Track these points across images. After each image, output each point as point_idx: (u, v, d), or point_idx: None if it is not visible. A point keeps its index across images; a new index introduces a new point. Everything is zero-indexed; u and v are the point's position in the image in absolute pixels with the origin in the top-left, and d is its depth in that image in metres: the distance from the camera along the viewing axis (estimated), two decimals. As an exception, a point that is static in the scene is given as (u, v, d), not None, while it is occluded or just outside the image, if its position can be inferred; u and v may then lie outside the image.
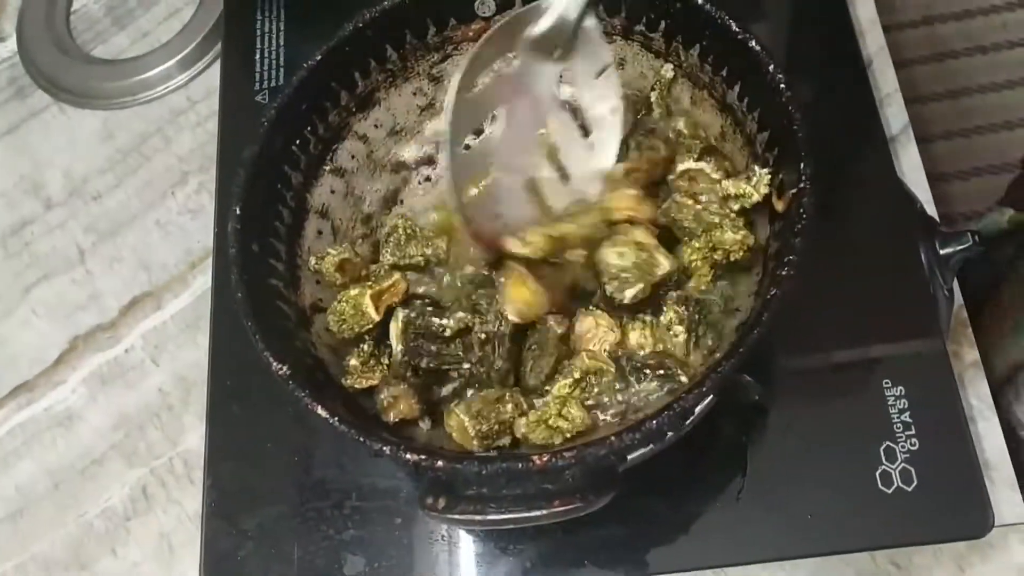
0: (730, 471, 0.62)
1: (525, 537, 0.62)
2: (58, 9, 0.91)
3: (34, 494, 0.73)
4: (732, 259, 0.57)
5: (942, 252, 0.65)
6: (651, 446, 0.54)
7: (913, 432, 0.61)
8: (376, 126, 0.64)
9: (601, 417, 0.55)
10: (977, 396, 0.67)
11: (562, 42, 0.58)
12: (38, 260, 0.81)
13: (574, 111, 0.62)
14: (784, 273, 0.50)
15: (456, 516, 0.50)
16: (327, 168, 0.62)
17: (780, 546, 0.60)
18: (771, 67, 0.54)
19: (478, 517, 0.49)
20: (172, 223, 0.81)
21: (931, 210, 0.72)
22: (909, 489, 0.60)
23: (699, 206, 0.58)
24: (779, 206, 0.55)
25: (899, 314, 0.65)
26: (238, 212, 0.54)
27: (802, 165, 0.52)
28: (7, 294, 0.80)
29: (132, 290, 0.79)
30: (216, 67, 0.86)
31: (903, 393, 0.62)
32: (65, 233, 0.82)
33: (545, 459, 0.46)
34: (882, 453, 0.61)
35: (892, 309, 0.66)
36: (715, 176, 0.58)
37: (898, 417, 0.62)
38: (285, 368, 0.50)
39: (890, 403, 0.62)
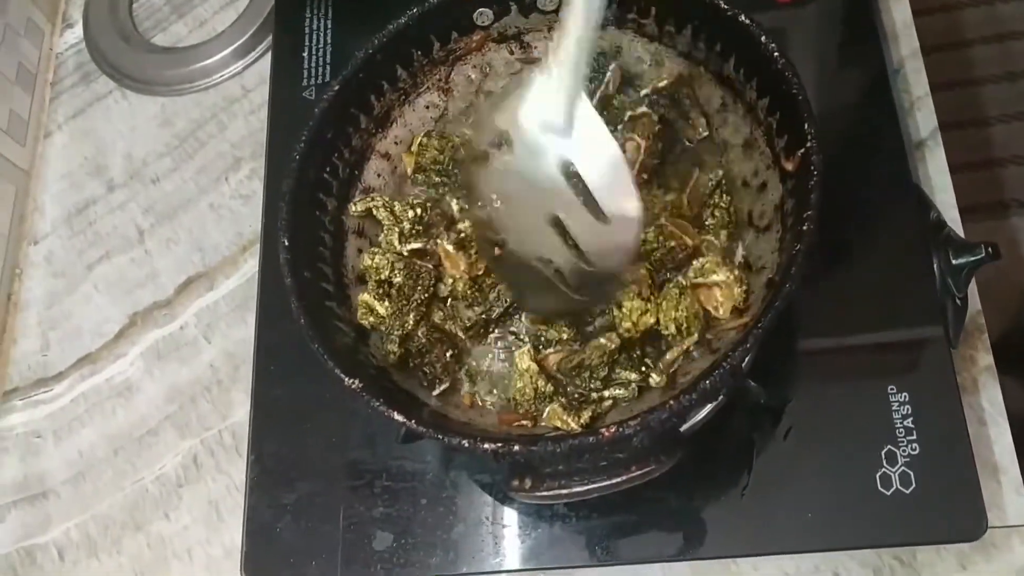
0: (736, 469, 0.65)
1: (541, 521, 0.66)
2: (122, -3, 0.96)
3: (95, 459, 0.78)
4: None
5: (955, 262, 0.66)
6: (708, 406, 0.58)
7: (915, 437, 0.63)
8: (396, 142, 0.67)
9: None
10: (989, 400, 0.69)
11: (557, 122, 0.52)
12: (100, 239, 0.87)
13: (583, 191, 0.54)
14: (805, 228, 0.52)
15: (544, 493, 0.53)
16: (357, 189, 0.66)
17: (780, 541, 0.63)
18: (763, 38, 0.57)
19: (564, 491, 0.53)
20: (225, 207, 0.86)
21: (952, 215, 0.73)
22: (907, 492, 0.62)
23: None
24: (789, 166, 0.58)
25: (907, 321, 0.67)
26: (286, 243, 0.57)
27: (806, 125, 0.54)
28: (72, 270, 0.86)
29: (187, 270, 0.84)
30: (269, 56, 0.89)
31: (907, 399, 0.64)
32: (126, 214, 0.87)
33: (613, 430, 0.49)
34: (883, 456, 0.63)
35: (901, 316, 0.67)
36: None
37: (901, 422, 0.64)
38: (357, 382, 0.54)
39: (894, 408, 0.64)
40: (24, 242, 0.88)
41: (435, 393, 0.60)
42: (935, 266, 0.67)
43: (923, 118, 0.78)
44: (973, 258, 0.66)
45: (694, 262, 0.60)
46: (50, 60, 0.95)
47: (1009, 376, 0.81)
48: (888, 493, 0.62)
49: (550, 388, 0.59)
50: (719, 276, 0.59)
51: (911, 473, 0.63)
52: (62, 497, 0.77)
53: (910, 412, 0.64)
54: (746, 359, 0.53)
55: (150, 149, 0.89)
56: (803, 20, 0.79)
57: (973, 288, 0.70)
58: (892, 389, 0.65)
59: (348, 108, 0.64)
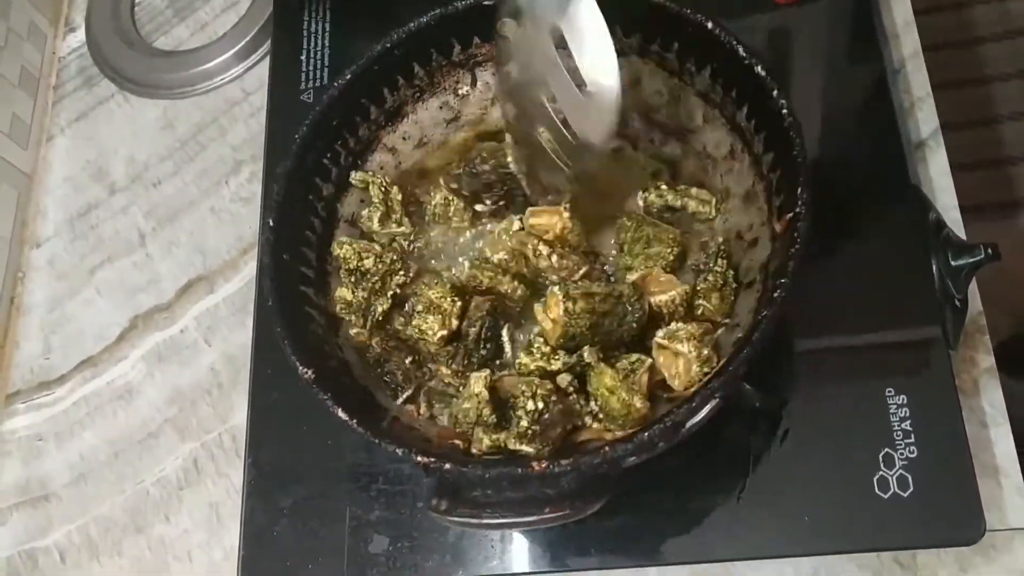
0: (733, 472, 0.64)
1: (538, 525, 0.66)
2: (123, 0, 0.96)
3: (96, 462, 0.79)
4: None
5: (954, 264, 0.66)
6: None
7: (912, 440, 0.63)
8: (404, 138, 0.67)
9: None
10: (990, 403, 0.68)
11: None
12: (102, 242, 0.87)
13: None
14: (776, 296, 0.52)
15: (455, 518, 0.53)
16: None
17: (778, 545, 0.62)
18: (775, 92, 0.56)
19: (474, 520, 0.53)
20: (225, 210, 0.86)
21: (953, 216, 0.73)
22: (905, 495, 0.62)
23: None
24: (778, 227, 0.57)
25: (906, 323, 0.66)
26: (271, 224, 0.58)
27: (799, 190, 0.54)
28: (74, 274, 0.86)
29: (188, 273, 0.84)
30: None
31: (905, 401, 0.64)
32: (127, 217, 0.88)
33: (543, 465, 0.50)
34: (881, 459, 0.63)
35: (899, 318, 0.67)
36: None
37: (899, 425, 0.63)
38: (310, 372, 0.54)
39: (892, 411, 0.64)
40: (26, 246, 0.88)
41: (398, 402, 0.60)
42: (934, 267, 0.67)
43: (924, 118, 0.77)
44: (972, 259, 0.66)
45: (672, 324, 0.59)
46: (53, 64, 0.96)
47: (1017, 379, 0.80)
48: (885, 496, 0.62)
49: (493, 419, 0.57)
50: (687, 349, 0.57)
51: (908, 476, 0.62)
52: (63, 500, 0.78)
53: (908, 415, 0.63)
54: (692, 419, 0.52)
55: (152, 152, 0.90)
56: (802, 20, 0.78)
57: (974, 288, 0.69)
58: (890, 391, 0.64)
59: (359, 98, 0.64)
